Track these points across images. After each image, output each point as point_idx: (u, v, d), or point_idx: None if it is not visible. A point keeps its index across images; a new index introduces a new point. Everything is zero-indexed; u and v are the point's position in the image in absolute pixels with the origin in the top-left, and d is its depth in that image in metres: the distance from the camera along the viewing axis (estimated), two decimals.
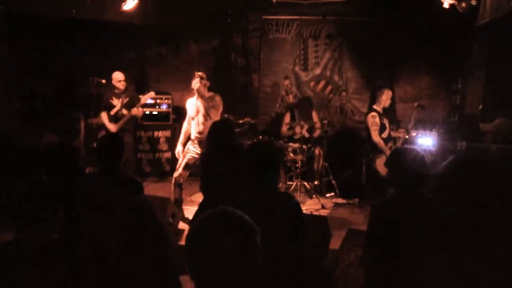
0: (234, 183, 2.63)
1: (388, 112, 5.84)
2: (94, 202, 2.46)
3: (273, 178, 2.48)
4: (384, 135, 5.60)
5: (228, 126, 4.09)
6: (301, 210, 2.48)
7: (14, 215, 2.04)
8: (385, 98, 5.62)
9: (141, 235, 2.00)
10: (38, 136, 4.65)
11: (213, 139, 3.93)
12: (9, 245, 1.97)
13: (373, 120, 5.57)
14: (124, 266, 1.91)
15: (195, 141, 5.00)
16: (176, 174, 5.00)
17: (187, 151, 5.03)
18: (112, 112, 5.71)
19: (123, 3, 5.61)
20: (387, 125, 5.64)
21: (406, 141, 5.62)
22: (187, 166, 4.98)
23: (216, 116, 4.97)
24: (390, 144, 5.62)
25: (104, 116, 5.72)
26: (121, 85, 5.73)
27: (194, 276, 1.25)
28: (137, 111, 5.68)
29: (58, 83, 6.78)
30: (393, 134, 5.81)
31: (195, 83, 4.95)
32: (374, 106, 5.70)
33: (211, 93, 5.07)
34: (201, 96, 4.96)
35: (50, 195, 2.11)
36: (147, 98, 5.79)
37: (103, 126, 5.78)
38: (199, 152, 4.92)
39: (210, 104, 4.96)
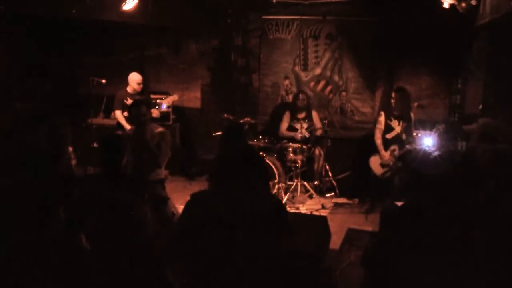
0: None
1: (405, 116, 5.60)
2: (95, 202, 2.46)
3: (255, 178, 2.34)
4: (389, 136, 5.53)
5: (239, 130, 3.96)
6: (283, 209, 2.36)
7: (17, 215, 2.04)
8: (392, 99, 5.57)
9: (137, 234, 2.00)
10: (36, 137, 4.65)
11: (225, 143, 3.85)
12: (11, 245, 1.98)
13: (378, 119, 5.67)
14: (124, 263, 1.91)
15: None
16: None
17: None
18: (127, 114, 5.66)
19: (123, 3, 5.61)
20: (395, 128, 5.53)
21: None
22: None
23: (164, 162, 4.10)
24: (394, 146, 5.48)
25: (119, 115, 5.65)
26: (139, 87, 5.70)
27: (178, 273, 1.25)
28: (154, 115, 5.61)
29: (58, 83, 6.78)
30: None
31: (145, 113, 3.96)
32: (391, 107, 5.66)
33: (160, 129, 4.16)
34: (148, 133, 3.95)
35: (52, 195, 2.12)
36: (169, 101, 5.62)
37: (103, 126, 5.75)
38: None
39: (160, 144, 3.98)
